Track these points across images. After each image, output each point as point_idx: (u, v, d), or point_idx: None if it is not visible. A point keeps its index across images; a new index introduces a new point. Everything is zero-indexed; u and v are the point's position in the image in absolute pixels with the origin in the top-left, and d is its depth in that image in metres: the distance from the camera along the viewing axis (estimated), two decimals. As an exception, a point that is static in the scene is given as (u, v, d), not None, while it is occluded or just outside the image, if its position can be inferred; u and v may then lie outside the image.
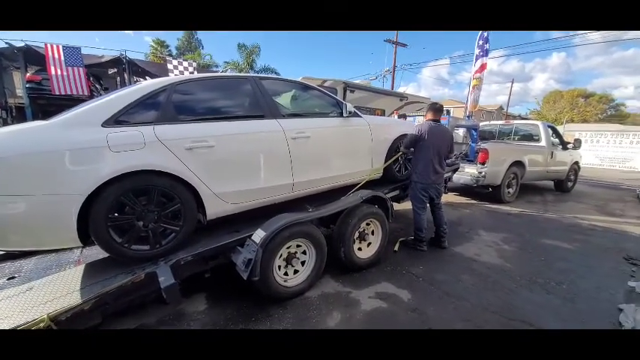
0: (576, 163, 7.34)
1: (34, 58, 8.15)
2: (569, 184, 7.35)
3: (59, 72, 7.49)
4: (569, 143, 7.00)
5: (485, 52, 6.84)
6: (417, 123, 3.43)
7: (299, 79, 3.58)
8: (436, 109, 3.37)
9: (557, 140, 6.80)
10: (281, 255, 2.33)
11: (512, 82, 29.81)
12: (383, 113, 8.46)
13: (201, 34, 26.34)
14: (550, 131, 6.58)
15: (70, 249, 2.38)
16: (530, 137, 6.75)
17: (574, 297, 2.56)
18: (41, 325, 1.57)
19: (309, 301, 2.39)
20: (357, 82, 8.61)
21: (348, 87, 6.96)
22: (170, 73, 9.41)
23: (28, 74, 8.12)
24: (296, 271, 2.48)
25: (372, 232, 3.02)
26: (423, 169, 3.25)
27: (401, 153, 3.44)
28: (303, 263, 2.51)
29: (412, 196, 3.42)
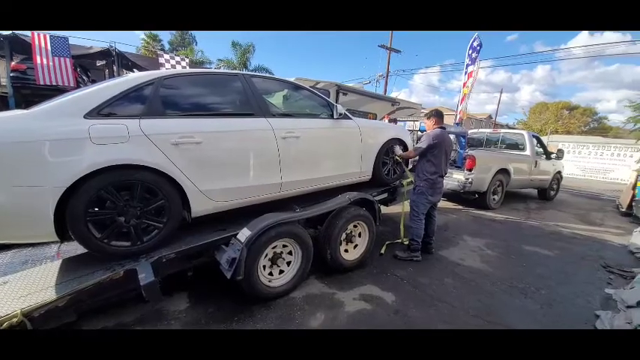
0: (559, 172, 7.58)
1: (20, 46, 7.89)
2: (552, 192, 7.57)
3: (45, 61, 7.26)
4: (552, 153, 7.22)
5: (473, 61, 7.07)
6: (426, 131, 3.44)
7: (292, 79, 3.58)
8: (442, 115, 3.44)
9: (541, 150, 7.00)
10: (266, 255, 2.31)
11: (501, 92, 30.53)
12: (375, 117, 8.52)
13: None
14: (535, 141, 6.76)
15: (48, 243, 2.31)
16: (515, 146, 6.92)
17: (552, 302, 2.62)
18: (14, 320, 1.52)
19: (294, 302, 2.38)
20: (350, 85, 8.63)
21: (341, 89, 6.97)
22: (161, 68, 9.26)
23: (12, 63, 7.86)
24: (281, 272, 2.47)
25: (359, 235, 3.03)
26: (436, 175, 3.24)
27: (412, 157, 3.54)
28: (288, 263, 2.50)
29: (416, 202, 3.34)
